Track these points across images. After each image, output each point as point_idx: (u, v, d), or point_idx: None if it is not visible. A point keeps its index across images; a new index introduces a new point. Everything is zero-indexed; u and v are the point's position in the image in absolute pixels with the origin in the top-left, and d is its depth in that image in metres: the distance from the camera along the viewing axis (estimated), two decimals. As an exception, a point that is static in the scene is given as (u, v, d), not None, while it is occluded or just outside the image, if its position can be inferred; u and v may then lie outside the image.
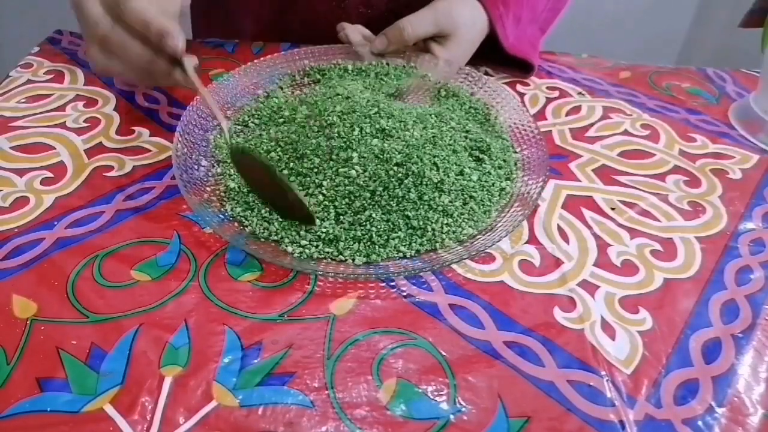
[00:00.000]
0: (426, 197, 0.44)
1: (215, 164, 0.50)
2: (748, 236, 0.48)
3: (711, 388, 0.37)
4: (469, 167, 0.48)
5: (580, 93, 0.67)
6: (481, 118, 0.56)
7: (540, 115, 0.62)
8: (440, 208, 0.45)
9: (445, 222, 0.44)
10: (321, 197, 0.45)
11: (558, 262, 0.45)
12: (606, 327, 0.40)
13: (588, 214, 0.49)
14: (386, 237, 0.43)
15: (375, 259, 0.42)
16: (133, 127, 0.56)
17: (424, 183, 0.44)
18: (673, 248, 0.47)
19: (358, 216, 0.44)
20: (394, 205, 0.44)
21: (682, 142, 0.59)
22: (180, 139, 0.49)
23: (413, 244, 0.43)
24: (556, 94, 0.66)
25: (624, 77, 0.70)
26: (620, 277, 0.44)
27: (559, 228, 0.48)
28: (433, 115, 0.52)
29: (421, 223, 0.44)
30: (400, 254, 0.43)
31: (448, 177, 0.46)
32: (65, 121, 0.56)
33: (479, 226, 0.45)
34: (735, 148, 0.59)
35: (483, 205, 0.47)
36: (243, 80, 0.58)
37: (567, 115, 0.63)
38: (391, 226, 0.44)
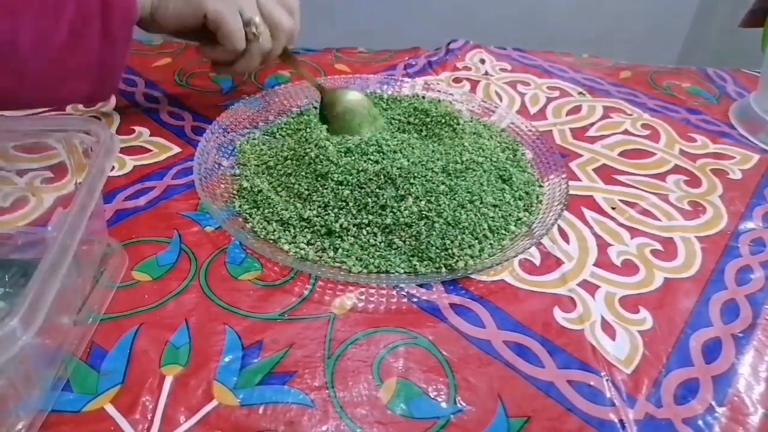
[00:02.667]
0: (437, 225, 0.43)
1: (235, 166, 0.51)
2: (749, 236, 0.48)
3: (711, 388, 0.37)
4: (489, 193, 0.47)
5: (580, 93, 0.67)
6: (509, 153, 0.55)
7: (540, 115, 0.62)
8: (451, 236, 0.43)
9: (452, 249, 0.43)
10: (329, 201, 0.45)
11: (558, 262, 0.45)
12: (606, 327, 0.40)
13: (588, 213, 0.49)
14: (386, 255, 0.43)
15: (372, 270, 0.42)
16: (133, 127, 0.56)
17: (440, 212, 0.44)
18: (674, 248, 0.47)
19: (361, 229, 0.44)
20: (401, 227, 0.43)
21: (683, 142, 0.59)
22: (208, 137, 0.51)
23: (415, 265, 0.42)
24: (557, 93, 0.66)
25: (624, 77, 0.70)
26: (620, 276, 0.44)
27: (560, 227, 0.48)
28: (466, 142, 0.52)
29: (425, 246, 0.43)
30: (400, 271, 0.42)
31: (465, 203, 0.45)
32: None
33: (488, 252, 0.44)
34: (735, 148, 0.59)
35: (497, 232, 0.45)
36: (281, 98, 0.60)
37: (567, 114, 0.63)
38: (395, 245, 0.43)
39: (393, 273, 0.42)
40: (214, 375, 0.35)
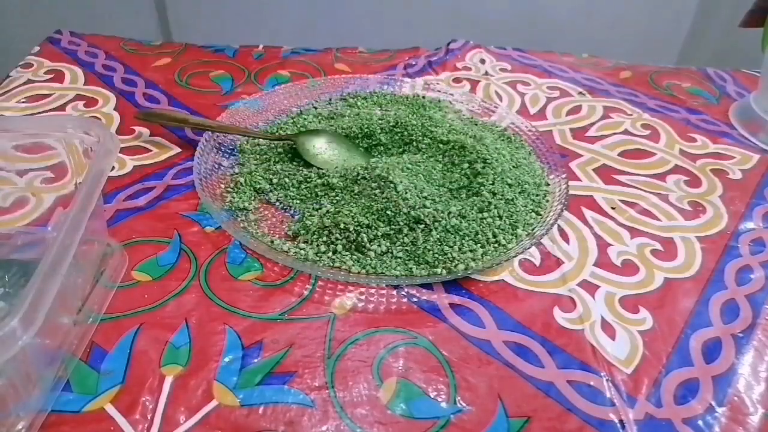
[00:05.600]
0: (434, 233, 0.43)
1: (235, 165, 0.51)
2: (749, 236, 0.48)
3: (711, 388, 0.37)
4: (500, 207, 0.46)
5: (580, 93, 0.67)
6: (513, 149, 0.54)
7: (540, 115, 0.62)
8: (450, 242, 0.43)
9: (452, 254, 0.42)
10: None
11: (558, 262, 0.45)
12: (606, 327, 0.40)
13: (588, 213, 0.49)
14: (383, 257, 0.43)
15: (369, 271, 0.42)
16: (133, 127, 0.56)
17: (437, 219, 0.44)
18: (674, 248, 0.47)
19: (359, 233, 0.43)
20: (403, 237, 0.43)
21: (683, 142, 0.59)
22: (208, 137, 0.51)
23: (411, 268, 0.42)
24: (557, 93, 0.66)
25: (624, 77, 0.70)
26: (620, 276, 0.44)
27: (560, 227, 0.48)
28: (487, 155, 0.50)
29: (422, 251, 0.43)
30: (396, 273, 0.42)
31: (468, 214, 0.45)
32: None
33: (491, 255, 0.43)
34: (735, 148, 0.59)
35: (504, 237, 0.44)
36: (281, 98, 0.59)
37: (567, 114, 0.63)
38: (394, 251, 0.43)
39: (390, 275, 0.42)
40: (214, 375, 0.35)
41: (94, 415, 0.33)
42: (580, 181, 0.53)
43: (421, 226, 0.43)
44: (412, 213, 0.43)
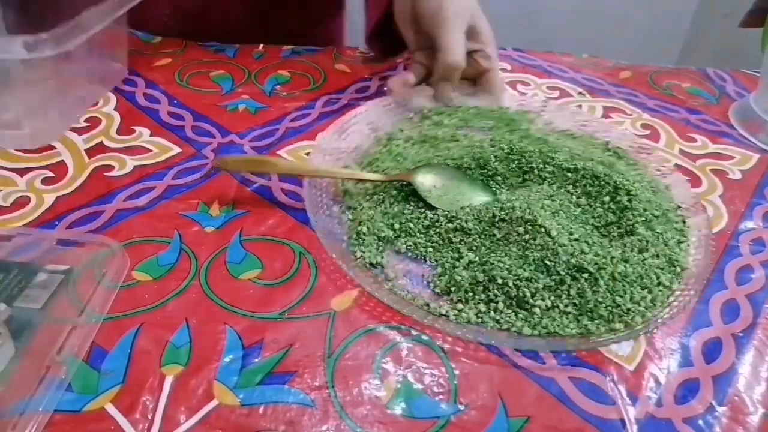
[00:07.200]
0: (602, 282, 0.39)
1: (345, 210, 0.47)
2: (749, 235, 0.48)
3: (711, 388, 0.37)
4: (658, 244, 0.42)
5: (580, 93, 0.67)
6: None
7: (540, 115, 0.62)
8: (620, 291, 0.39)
9: (629, 306, 0.39)
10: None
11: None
12: (606, 326, 0.40)
13: (588, 213, 0.49)
14: (555, 317, 0.38)
15: (542, 331, 0.38)
16: (133, 127, 0.56)
17: (601, 266, 0.40)
18: (674, 248, 0.47)
19: (519, 288, 0.39)
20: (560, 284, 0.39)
21: (683, 142, 0.59)
22: (311, 186, 0.46)
23: (588, 326, 0.38)
24: (557, 93, 0.66)
25: (624, 77, 0.71)
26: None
27: (560, 227, 0.48)
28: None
29: (595, 306, 0.38)
30: (574, 332, 0.38)
31: (630, 257, 0.41)
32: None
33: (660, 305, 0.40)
34: (735, 148, 0.59)
35: (666, 279, 0.41)
36: (359, 123, 0.54)
37: (567, 114, 0.63)
38: (560, 306, 0.39)
39: (568, 335, 0.38)
40: (214, 375, 0.35)
41: (94, 415, 0.33)
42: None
43: (585, 275, 0.39)
44: (572, 260, 0.39)
